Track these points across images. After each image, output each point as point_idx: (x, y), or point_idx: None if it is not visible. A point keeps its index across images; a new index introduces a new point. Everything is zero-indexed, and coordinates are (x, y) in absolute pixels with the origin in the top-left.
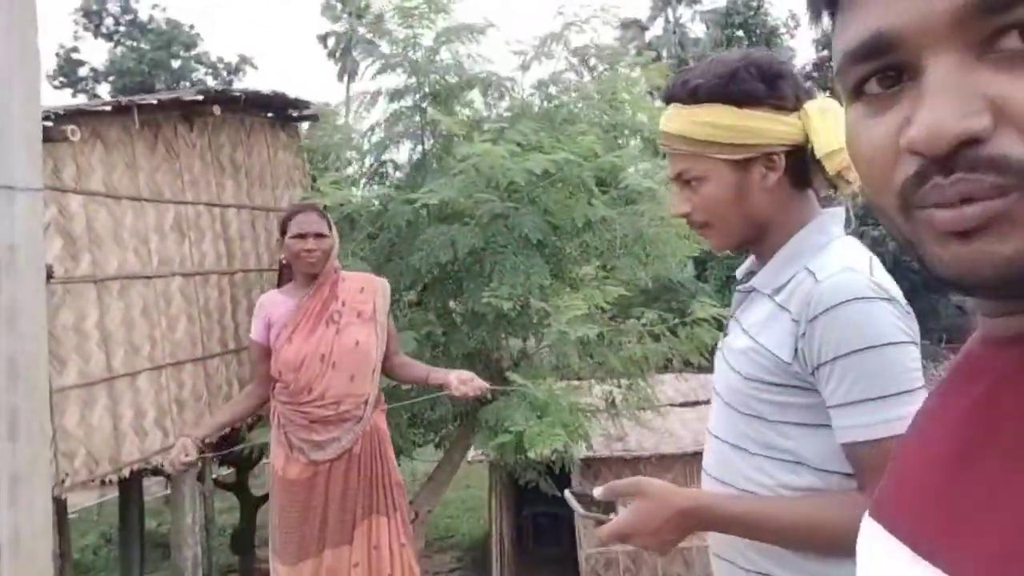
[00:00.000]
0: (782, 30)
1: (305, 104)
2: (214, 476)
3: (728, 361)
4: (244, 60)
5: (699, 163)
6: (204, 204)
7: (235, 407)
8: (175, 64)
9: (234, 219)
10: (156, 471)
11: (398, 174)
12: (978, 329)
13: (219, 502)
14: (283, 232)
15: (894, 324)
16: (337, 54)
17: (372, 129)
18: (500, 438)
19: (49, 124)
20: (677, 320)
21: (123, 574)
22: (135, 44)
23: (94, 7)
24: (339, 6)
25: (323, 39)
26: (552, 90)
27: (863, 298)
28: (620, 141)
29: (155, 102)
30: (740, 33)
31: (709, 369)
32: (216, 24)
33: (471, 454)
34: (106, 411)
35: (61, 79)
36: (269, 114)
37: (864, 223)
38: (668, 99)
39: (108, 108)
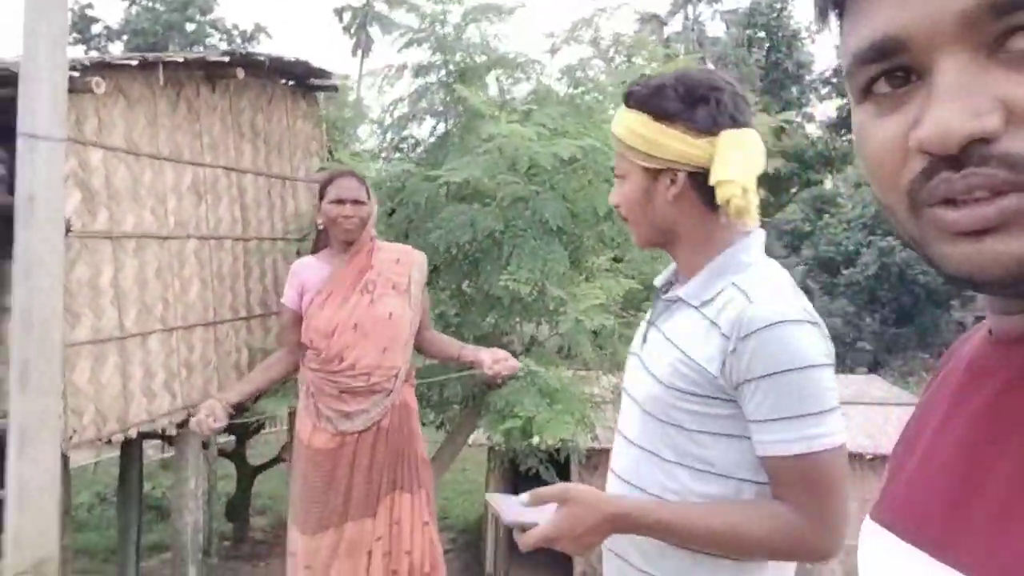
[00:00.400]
0: (804, 34)
1: (327, 74)
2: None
3: (648, 368)
4: (259, 28)
5: (623, 162)
6: (222, 168)
7: (264, 373)
8: (189, 28)
9: (251, 185)
10: (159, 435)
11: (418, 150)
12: (986, 326)
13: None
14: (321, 196)
15: (818, 347)
16: (352, 29)
17: (395, 104)
18: (508, 423)
19: (75, 75)
20: None
21: (120, 534)
22: (150, 4)
23: None
24: None
25: (339, 13)
26: (579, 76)
27: (793, 321)
28: None
29: (180, 60)
30: (762, 34)
31: None
32: None
33: (472, 437)
34: (116, 370)
35: (75, 35)
36: (290, 82)
37: (872, 232)
38: (622, 99)
39: (134, 62)
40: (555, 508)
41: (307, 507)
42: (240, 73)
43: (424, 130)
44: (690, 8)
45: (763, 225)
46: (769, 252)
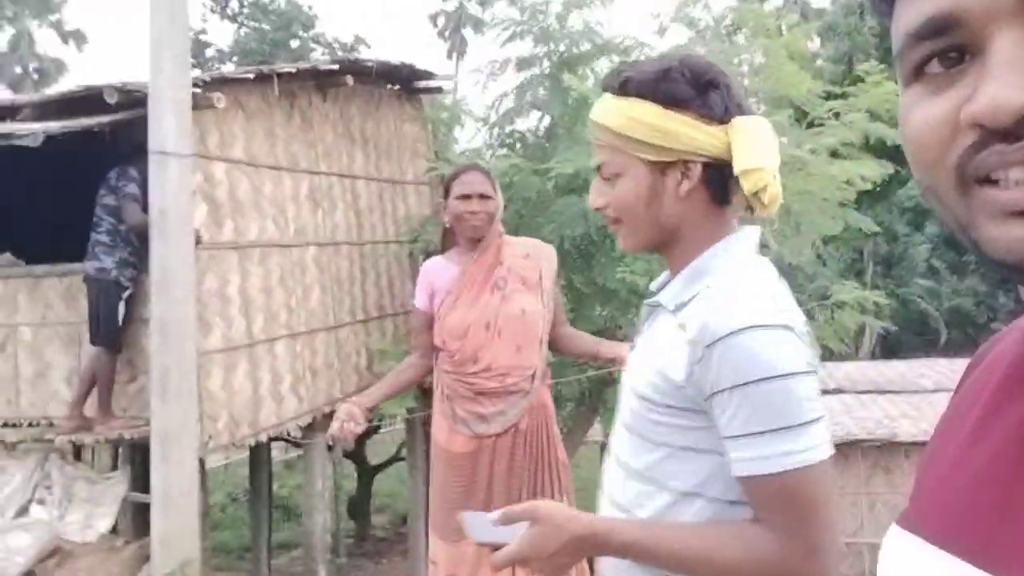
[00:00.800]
0: None
1: (432, 75)
2: (332, 443)
3: (630, 382)
4: (359, 40)
5: (618, 158)
6: (336, 175)
7: (397, 377)
8: (294, 44)
9: (363, 191)
10: (286, 438)
11: (525, 144)
12: (1020, 328)
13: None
14: (446, 193)
15: (793, 354)
16: (447, 33)
17: (500, 99)
18: None
19: (197, 91)
20: (816, 303)
21: (253, 532)
22: (257, 25)
23: None
24: None
25: (433, 18)
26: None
27: (763, 326)
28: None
29: (293, 71)
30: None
31: (849, 356)
32: (332, 4)
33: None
34: (246, 376)
35: (191, 60)
36: (396, 87)
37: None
38: (603, 88)
39: (251, 76)
40: (526, 527)
41: (447, 513)
42: (349, 80)
43: (529, 124)
44: None
45: (884, 200)
46: (889, 231)
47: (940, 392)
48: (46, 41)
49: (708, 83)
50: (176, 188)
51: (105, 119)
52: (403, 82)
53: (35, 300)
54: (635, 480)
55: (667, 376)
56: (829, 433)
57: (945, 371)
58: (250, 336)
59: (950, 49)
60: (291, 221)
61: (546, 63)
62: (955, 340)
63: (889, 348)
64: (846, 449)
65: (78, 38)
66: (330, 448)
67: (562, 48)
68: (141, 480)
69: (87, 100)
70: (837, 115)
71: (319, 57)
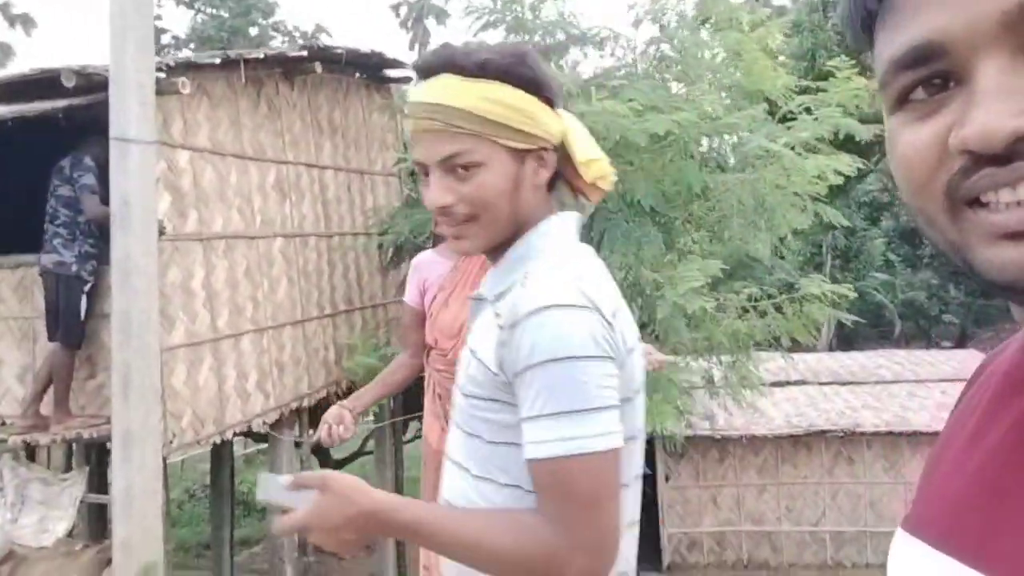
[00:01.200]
0: None
1: (402, 64)
2: (301, 439)
3: (458, 379)
4: (320, 29)
5: (481, 146)
6: (304, 165)
7: (388, 379)
8: (253, 32)
9: (331, 181)
10: (247, 433)
11: None
12: (1020, 339)
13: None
14: None
15: (590, 336)
16: (409, 23)
17: None
18: None
19: (161, 76)
20: (785, 296)
21: (214, 529)
22: (215, 11)
23: None
24: None
25: (395, 8)
26: (665, 48)
27: (563, 306)
28: (739, 103)
29: (261, 56)
30: None
31: (808, 348)
32: None
33: None
34: (211, 372)
35: None
36: (364, 75)
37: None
38: (438, 69)
39: (216, 61)
40: (315, 495)
41: None
42: (318, 68)
43: None
44: None
45: (843, 195)
46: (846, 226)
47: (900, 383)
48: None
49: (546, 72)
50: (138, 177)
51: (61, 103)
52: (372, 71)
53: None
54: (471, 478)
55: (485, 367)
56: (621, 424)
57: (903, 362)
58: (215, 331)
59: (935, 76)
60: (257, 212)
61: None
62: (908, 331)
63: (845, 339)
64: (810, 439)
65: (26, 22)
66: (297, 445)
67: (536, 38)
68: (98, 480)
69: (37, 84)
70: (808, 110)
71: (279, 46)
